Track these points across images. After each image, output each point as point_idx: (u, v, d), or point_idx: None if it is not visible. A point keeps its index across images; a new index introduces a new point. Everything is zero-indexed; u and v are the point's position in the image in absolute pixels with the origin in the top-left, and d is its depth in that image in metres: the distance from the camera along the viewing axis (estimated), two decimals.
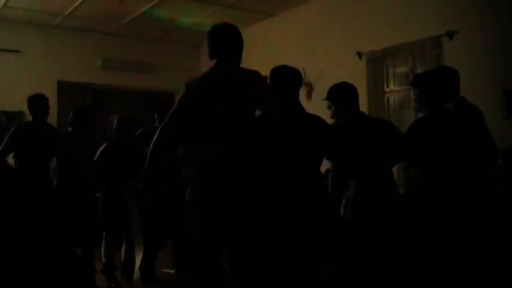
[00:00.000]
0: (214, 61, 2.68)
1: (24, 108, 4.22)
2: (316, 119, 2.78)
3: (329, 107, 3.12)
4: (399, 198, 3.03)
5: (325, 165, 3.02)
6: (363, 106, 3.75)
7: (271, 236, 2.61)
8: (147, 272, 4.40)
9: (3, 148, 3.93)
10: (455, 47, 4.35)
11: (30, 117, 4.16)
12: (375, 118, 4.03)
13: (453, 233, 2.72)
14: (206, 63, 2.77)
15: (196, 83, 2.66)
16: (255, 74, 2.63)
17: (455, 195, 2.73)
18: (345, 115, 3.03)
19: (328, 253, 2.93)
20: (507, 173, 3.38)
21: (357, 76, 5.04)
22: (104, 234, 4.34)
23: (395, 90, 5.23)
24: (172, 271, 4.66)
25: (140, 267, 4.43)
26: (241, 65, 2.71)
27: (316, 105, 3.07)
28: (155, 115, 4.36)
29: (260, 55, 6.12)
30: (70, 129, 4.08)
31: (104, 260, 4.30)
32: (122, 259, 4.45)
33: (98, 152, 4.27)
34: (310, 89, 5.85)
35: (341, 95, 3.08)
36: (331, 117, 3.11)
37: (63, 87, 7.00)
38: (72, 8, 6.13)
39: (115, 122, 4.41)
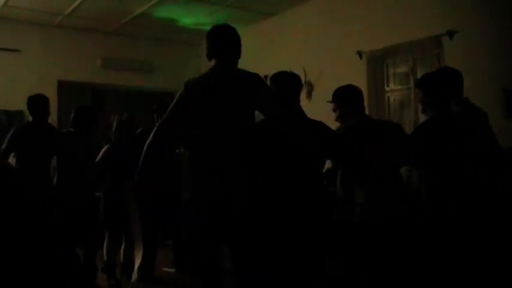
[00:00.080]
0: (213, 61, 2.68)
1: (25, 107, 4.22)
2: (316, 121, 2.79)
3: (334, 110, 3.09)
4: (408, 201, 2.99)
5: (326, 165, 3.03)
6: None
7: (271, 236, 2.61)
8: (147, 272, 4.41)
9: (3, 149, 3.93)
10: (456, 46, 4.34)
11: (30, 117, 4.17)
12: (381, 120, 4.02)
13: (456, 235, 2.71)
14: (206, 63, 2.76)
15: (196, 82, 2.66)
16: (255, 75, 2.63)
17: (460, 198, 2.72)
18: (350, 118, 3.01)
19: (329, 253, 2.93)
20: (507, 173, 3.37)
21: (357, 75, 5.04)
22: (106, 233, 4.36)
23: (395, 90, 5.22)
24: (173, 270, 4.66)
25: (140, 266, 4.44)
26: (241, 65, 2.72)
27: (317, 105, 3.07)
28: (155, 115, 4.37)
29: (260, 54, 6.13)
30: (71, 129, 4.09)
31: (105, 258, 4.32)
32: (122, 259, 4.46)
33: (101, 154, 4.29)
34: (310, 88, 5.86)
35: (346, 97, 3.05)
36: (336, 120, 3.10)
37: (63, 86, 7.00)
38: (72, 8, 6.13)
39: (115, 124, 4.43)
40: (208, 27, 2.78)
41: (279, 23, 6.54)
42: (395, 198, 2.88)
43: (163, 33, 7.25)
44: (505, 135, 3.09)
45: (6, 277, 1.65)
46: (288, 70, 2.90)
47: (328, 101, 3.12)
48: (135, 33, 7.26)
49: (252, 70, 2.68)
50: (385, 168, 2.89)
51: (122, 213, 4.32)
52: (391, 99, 5.25)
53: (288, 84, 2.79)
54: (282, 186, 2.63)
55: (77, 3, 5.95)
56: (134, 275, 4.45)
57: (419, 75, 4.83)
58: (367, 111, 3.35)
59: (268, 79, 2.88)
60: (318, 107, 2.93)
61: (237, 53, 2.70)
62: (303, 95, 2.93)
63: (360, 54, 5.29)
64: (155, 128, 2.70)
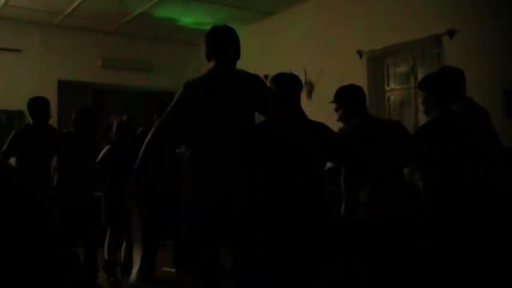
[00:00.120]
0: (213, 62, 2.68)
1: (25, 107, 4.22)
2: (316, 122, 2.80)
3: (336, 110, 3.08)
4: (410, 200, 2.97)
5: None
6: None
7: (271, 235, 2.61)
8: (147, 272, 4.41)
9: (4, 151, 3.94)
10: (456, 46, 4.34)
11: (30, 118, 4.17)
12: (383, 119, 4.00)
13: (457, 234, 2.71)
14: (206, 63, 2.76)
15: (196, 83, 2.65)
16: (255, 76, 2.64)
17: (461, 197, 2.72)
18: (353, 118, 3.00)
19: (330, 252, 2.92)
20: (507, 173, 3.37)
21: (357, 75, 5.04)
22: (108, 232, 4.38)
23: (395, 89, 5.22)
24: (173, 270, 4.66)
25: (140, 266, 4.44)
26: (241, 64, 2.72)
27: (317, 105, 3.07)
28: (155, 115, 4.37)
29: (260, 54, 6.13)
30: (72, 129, 4.10)
31: (106, 257, 4.34)
32: (122, 258, 4.46)
33: (101, 154, 4.30)
34: (310, 88, 5.85)
35: (348, 97, 3.04)
36: (338, 120, 3.08)
37: (63, 86, 7.00)
38: (72, 8, 6.13)
39: (115, 124, 4.45)
40: (208, 27, 2.77)
41: (279, 23, 6.54)
42: (397, 198, 2.86)
43: (163, 33, 7.25)
44: (505, 135, 3.08)
45: (6, 277, 1.65)
46: (288, 70, 2.91)
47: (330, 102, 3.10)
48: (135, 33, 7.27)
49: (252, 69, 2.69)
50: (387, 168, 2.87)
51: (122, 213, 4.33)
52: (391, 98, 5.25)
53: (288, 84, 2.80)
54: (282, 186, 2.63)
55: (77, 3, 5.95)
56: (133, 275, 4.45)
57: (419, 75, 4.85)
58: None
59: (268, 79, 2.89)
60: (319, 107, 2.93)
61: (237, 54, 2.70)
62: (303, 95, 2.93)
63: (360, 53, 5.29)
64: (154, 128, 2.68)
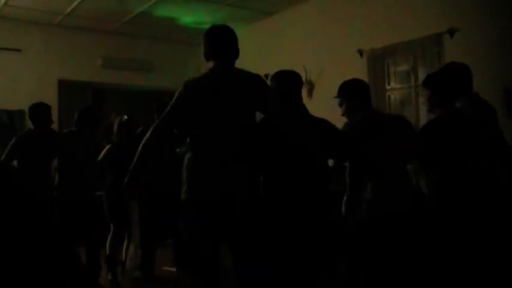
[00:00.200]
0: (212, 62, 2.67)
1: (25, 106, 4.23)
2: (319, 119, 2.78)
3: (340, 105, 3.04)
4: (415, 200, 2.94)
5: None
6: None
7: (271, 233, 2.61)
8: (147, 271, 4.42)
9: (5, 157, 3.95)
10: (456, 44, 4.34)
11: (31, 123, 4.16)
12: (388, 114, 3.97)
13: (460, 233, 2.69)
14: (206, 63, 2.76)
15: (196, 82, 2.64)
16: (255, 75, 2.63)
17: (467, 196, 2.70)
18: (357, 113, 2.95)
19: (330, 250, 2.92)
20: (507, 170, 3.36)
21: (358, 74, 4.97)
22: (112, 229, 4.43)
23: (396, 88, 5.22)
24: (173, 269, 4.67)
25: (140, 265, 4.45)
26: (241, 64, 2.71)
27: (318, 104, 3.06)
28: (155, 115, 4.37)
29: (260, 53, 6.13)
30: (74, 128, 4.10)
31: (107, 252, 4.39)
32: (123, 257, 4.48)
33: (102, 154, 4.32)
34: (311, 87, 5.85)
35: (352, 91, 3.00)
36: (342, 115, 3.04)
37: (63, 86, 7.00)
38: (72, 7, 6.13)
39: (115, 125, 4.46)
40: (208, 27, 2.77)
41: (280, 22, 6.54)
42: (399, 198, 2.83)
43: (163, 32, 7.25)
44: (505, 134, 3.08)
45: (6, 277, 1.65)
46: (289, 69, 2.90)
47: (334, 97, 3.07)
48: (135, 33, 7.26)
49: (252, 69, 2.68)
50: (390, 164, 2.84)
51: (124, 212, 4.35)
52: (392, 97, 5.24)
53: (289, 82, 2.80)
54: (283, 183, 2.63)
55: (76, 2, 5.95)
56: (135, 274, 4.46)
57: (420, 74, 4.84)
58: None
59: (269, 78, 2.88)
60: (319, 106, 2.92)
61: (235, 53, 2.69)
62: (304, 94, 2.92)
63: (360, 52, 5.29)
64: (153, 126, 2.66)
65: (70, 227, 3.86)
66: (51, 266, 1.71)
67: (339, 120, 3.06)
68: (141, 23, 6.78)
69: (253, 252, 2.58)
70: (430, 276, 2.76)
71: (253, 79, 2.61)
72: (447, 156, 2.76)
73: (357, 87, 3.03)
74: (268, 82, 2.80)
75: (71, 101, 6.64)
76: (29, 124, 4.17)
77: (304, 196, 2.64)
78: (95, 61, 7.20)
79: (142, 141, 2.63)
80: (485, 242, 2.65)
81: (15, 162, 4.10)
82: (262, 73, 2.92)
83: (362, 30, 5.29)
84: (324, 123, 2.79)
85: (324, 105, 3.22)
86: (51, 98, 6.21)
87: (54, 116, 4.52)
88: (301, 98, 2.82)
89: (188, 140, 2.65)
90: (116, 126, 4.50)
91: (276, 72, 2.84)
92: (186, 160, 2.63)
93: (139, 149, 2.62)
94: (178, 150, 4.64)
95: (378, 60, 5.23)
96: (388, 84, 5.26)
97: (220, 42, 2.66)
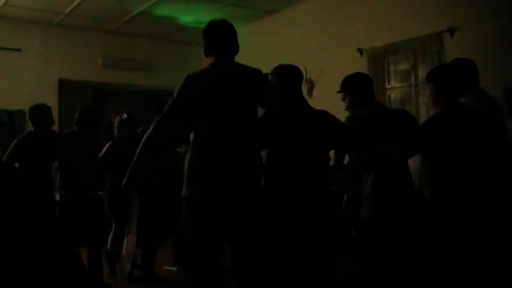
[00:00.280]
0: (212, 57, 2.66)
1: (25, 106, 4.23)
2: (320, 111, 2.78)
3: (343, 99, 3.01)
4: (417, 199, 2.91)
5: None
6: None
7: (272, 229, 2.61)
8: (147, 270, 4.42)
9: (6, 159, 3.94)
10: (456, 43, 4.33)
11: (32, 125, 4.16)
12: (392, 108, 3.94)
13: (461, 228, 2.68)
14: (207, 62, 2.75)
15: (196, 77, 2.63)
16: (256, 70, 2.63)
17: (468, 189, 2.69)
18: (360, 106, 2.92)
19: (331, 248, 2.90)
20: (508, 168, 3.35)
21: None
22: (113, 227, 4.48)
23: (396, 87, 5.21)
24: (174, 268, 4.67)
25: (140, 264, 4.46)
26: (242, 62, 2.70)
27: (318, 103, 3.05)
28: (155, 115, 4.37)
29: (261, 53, 6.12)
30: (75, 128, 4.11)
31: (108, 247, 4.45)
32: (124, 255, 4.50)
33: (104, 150, 4.37)
34: (311, 86, 5.86)
35: (355, 85, 2.97)
36: (346, 110, 3.01)
37: (64, 85, 7.00)
38: (72, 7, 6.13)
39: (116, 123, 4.48)
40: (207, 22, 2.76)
41: (280, 21, 6.53)
42: (400, 197, 2.81)
43: (163, 32, 7.25)
44: None
45: (6, 277, 1.65)
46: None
47: (337, 91, 3.04)
48: (135, 32, 7.26)
49: None
50: (393, 158, 2.82)
51: (125, 210, 4.37)
52: (392, 96, 5.24)
53: (289, 77, 2.79)
54: (283, 178, 2.63)
55: (77, 2, 5.95)
56: (134, 272, 4.47)
57: (420, 73, 4.84)
58: None
59: (269, 73, 2.87)
60: (319, 105, 2.90)
61: (235, 48, 2.69)
62: (304, 93, 2.92)
63: (360, 51, 5.29)
64: (154, 124, 2.64)
65: (71, 227, 3.87)
66: (51, 266, 1.71)
67: (340, 118, 3.06)
68: (141, 22, 6.77)
69: (254, 252, 2.57)
70: (430, 276, 2.75)
71: (254, 74, 2.61)
72: (449, 150, 2.74)
73: (360, 80, 3.00)
74: (269, 77, 2.79)
75: (71, 101, 6.65)
76: (29, 124, 4.17)
77: (305, 191, 2.64)
78: (95, 61, 7.20)
79: (143, 139, 2.61)
80: (484, 238, 2.64)
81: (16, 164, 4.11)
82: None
83: (362, 29, 5.28)
84: (325, 116, 2.78)
85: (324, 104, 3.20)
86: (51, 97, 6.23)
87: (55, 115, 4.52)
88: (301, 92, 2.82)
89: (192, 136, 2.63)
90: (116, 124, 4.53)
91: (276, 67, 2.83)
92: (187, 158, 2.61)
93: (139, 146, 2.60)
94: (178, 149, 4.64)
95: (378, 59, 5.23)
96: (388, 83, 5.26)
97: (220, 37, 2.65)
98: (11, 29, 6.58)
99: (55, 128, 4.56)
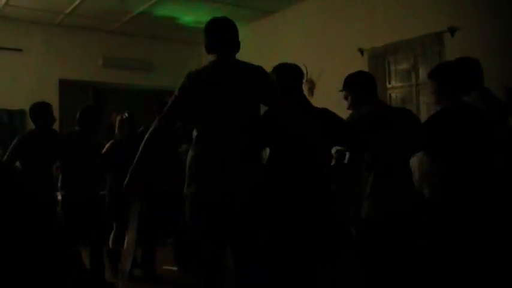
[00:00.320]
0: (213, 54, 2.65)
1: (26, 106, 4.23)
2: (321, 109, 2.78)
3: (345, 98, 2.99)
4: (417, 199, 2.92)
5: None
6: None
7: (272, 228, 2.61)
8: (148, 270, 4.42)
9: (7, 158, 3.94)
10: (457, 43, 4.33)
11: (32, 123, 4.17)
12: (394, 107, 3.94)
13: (464, 226, 2.67)
14: (207, 62, 2.75)
15: (197, 74, 2.62)
16: (258, 67, 2.63)
17: (470, 188, 2.68)
18: (363, 105, 2.90)
19: (331, 245, 2.89)
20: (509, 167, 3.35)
21: None
22: (114, 227, 4.50)
23: (396, 87, 5.22)
24: (174, 268, 4.67)
25: (140, 264, 4.47)
26: (243, 60, 2.70)
27: (318, 102, 3.04)
28: (155, 115, 4.37)
29: (261, 52, 6.11)
30: (77, 128, 4.12)
31: (110, 246, 4.47)
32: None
33: (105, 149, 4.39)
34: (311, 86, 5.86)
35: (358, 84, 2.96)
36: (348, 108, 3.00)
37: (64, 85, 7.01)
38: (73, 7, 6.14)
39: (117, 122, 4.50)
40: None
41: (280, 21, 6.53)
42: (400, 197, 2.80)
43: (163, 31, 7.25)
44: None
45: (6, 277, 1.65)
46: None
47: (339, 90, 3.03)
48: (135, 32, 7.27)
49: None
50: (395, 157, 2.81)
51: (126, 210, 4.38)
52: (393, 96, 5.25)
53: (290, 75, 2.79)
54: (284, 175, 2.63)
55: (77, 2, 5.95)
56: (134, 272, 4.47)
57: (420, 73, 4.85)
58: None
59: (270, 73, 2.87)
60: (320, 104, 2.90)
61: (236, 45, 2.68)
62: (304, 93, 2.92)
63: (361, 51, 5.29)
64: (155, 123, 2.62)
65: (71, 226, 3.88)
66: (51, 266, 1.71)
67: None
68: (141, 22, 6.78)
69: (254, 253, 2.57)
70: (430, 276, 2.75)
71: (255, 70, 2.61)
72: (452, 148, 2.73)
73: (362, 79, 2.99)
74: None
75: (71, 101, 6.66)
76: (30, 124, 4.17)
77: (306, 190, 2.64)
78: (95, 61, 7.20)
79: (144, 139, 2.59)
80: (488, 239, 2.63)
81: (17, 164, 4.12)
82: None
83: (362, 29, 5.28)
84: (327, 114, 2.78)
85: (324, 103, 3.19)
86: (52, 97, 6.20)
87: (55, 115, 4.52)
88: (302, 90, 2.82)
89: (194, 134, 2.63)
90: (117, 124, 4.54)
91: (276, 66, 2.83)
92: (189, 156, 2.61)
93: (141, 145, 2.59)
94: (180, 149, 4.65)
95: (379, 58, 5.23)
96: (389, 83, 5.26)
97: (221, 34, 2.65)
98: (11, 29, 6.59)
99: (55, 127, 4.57)
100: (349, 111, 3.03)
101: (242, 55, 2.73)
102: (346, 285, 3.21)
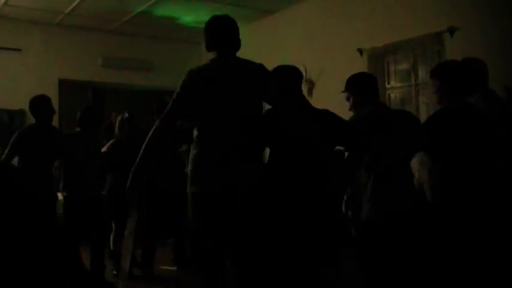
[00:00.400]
0: (213, 52, 2.65)
1: (26, 106, 4.23)
2: (321, 110, 2.78)
3: (347, 98, 2.99)
4: (417, 199, 2.90)
5: None
6: None
7: (272, 227, 2.61)
8: (147, 269, 4.43)
9: (8, 153, 3.95)
10: (457, 43, 4.33)
11: (32, 117, 4.17)
12: (394, 110, 3.95)
13: (464, 227, 2.66)
14: (208, 58, 2.75)
15: (198, 72, 2.63)
16: (259, 65, 2.64)
17: (470, 189, 2.67)
18: (364, 107, 2.90)
19: (332, 244, 2.90)
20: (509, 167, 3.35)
21: None
22: (114, 227, 4.50)
23: (396, 87, 5.22)
24: (173, 268, 4.67)
25: (140, 264, 4.47)
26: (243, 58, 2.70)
27: (318, 102, 3.05)
28: (155, 115, 4.38)
29: (261, 52, 6.11)
30: (78, 129, 4.12)
31: (111, 248, 4.48)
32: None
33: (106, 147, 4.40)
34: (311, 86, 5.86)
35: (360, 85, 2.95)
36: (350, 110, 3.00)
37: (64, 85, 7.01)
38: (72, 7, 6.13)
39: (117, 122, 4.50)
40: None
41: (280, 21, 6.53)
42: (400, 197, 2.79)
43: (163, 31, 7.25)
44: None
45: (6, 277, 1.65)
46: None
47: (341, 91, 3.03)
48: (135, 32, 7.26)
49: None
50: (395, 159, 2.80)
51: (125, 210, 4.38)
52: (392, 96, 5.25)
53: (289, 77, 2.79)
54: (285, 175, 2.63)
55: (77, 2, 5.95)
56: (134, 271, 4.47)
57: (420, 73, 4.85)
58: None
59: None
60: (320, 105, 2.90)
61: (237, 43, 2.68)
62: (304, 93, 2.92)
63: (360, 51, 5.29)
64: (157, 123, 2.62)
65: (72, 226, 3.88)
66: (51, 266, 1.71)
67: None
68: (141, 22, 6.78)
69: (253, 249, 2.57)
70: (430, 276, 2.75)
71: (256, 68, 2.61)
72: (454, 148, 2.72)
73: (364, 80, 3.00)
74: None
75: (71, 101, 6.66)
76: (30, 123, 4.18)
77: (306, 191, 2.64)
78: (95, 60, 7.20)
79: (146, 140, 2.59)
80: (485, 238, 2.63)
81: (16, 161, 4.11)
82: None
83: (362, 29, 5.28)
84: (327, 114, 2.78)
85: (324, 103, 3.20)
86: (51, 97, 6.10)
87: (55, 115, 4.52)
88: (301, 91, 2.82)
89: (195, 133, 2.63)
90: (117, 123, 4.55)
91: (275, 68, 2.83)
92: (191, 155, 2.61)
93: (143, 146, 2.59)
94: (180, 149, 4.65)
95: (378, 59, 5.23)
96: (388, 83, 5.26)
97: (221, 32, 2.65)
98: (11, 29, 6.59)
99: (55, 126, 4.57)
100: (351, 112, 3.03)
101: (242, 55, 2.74)
102: (346, 285, 3.21)
